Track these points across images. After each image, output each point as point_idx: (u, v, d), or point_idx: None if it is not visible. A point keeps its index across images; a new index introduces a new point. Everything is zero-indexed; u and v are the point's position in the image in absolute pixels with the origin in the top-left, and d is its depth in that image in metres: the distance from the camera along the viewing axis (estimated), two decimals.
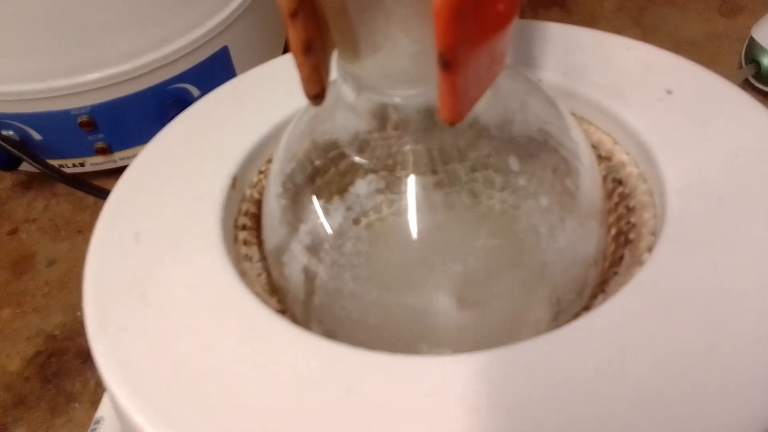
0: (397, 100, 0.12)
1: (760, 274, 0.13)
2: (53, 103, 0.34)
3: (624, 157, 0.17)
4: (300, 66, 0.11)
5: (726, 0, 0.41)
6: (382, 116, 0.13)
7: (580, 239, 0.14)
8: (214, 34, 0.36)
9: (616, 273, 0.14)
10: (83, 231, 0.36)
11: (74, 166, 0.37)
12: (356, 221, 0.14)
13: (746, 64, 0.36)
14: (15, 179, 0.39)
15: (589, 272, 0.14)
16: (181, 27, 0.35)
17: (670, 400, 0.11)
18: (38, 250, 0.36)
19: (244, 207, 0.17)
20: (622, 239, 0.15)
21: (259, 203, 0.18)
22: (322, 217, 0.14)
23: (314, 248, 0.14)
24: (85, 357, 0.31)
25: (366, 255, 0.13)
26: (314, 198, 0.14)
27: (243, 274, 0.15)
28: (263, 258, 0.16)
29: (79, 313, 0.33)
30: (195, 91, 0.37)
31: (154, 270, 0.14)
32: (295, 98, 0.19)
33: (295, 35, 0.10)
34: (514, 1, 0.11)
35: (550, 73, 0.19)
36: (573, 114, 0.18)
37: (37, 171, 0.36)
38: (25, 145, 0.35)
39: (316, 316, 0.14)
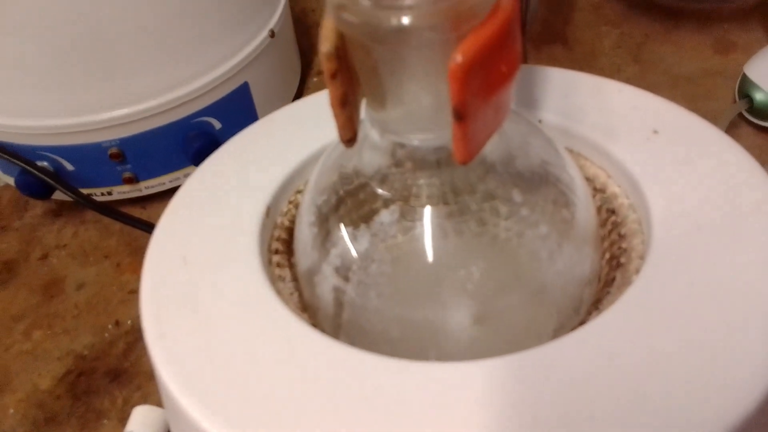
0: (415, 142, 0.15)
1: (731, 293, 0.15)
2: (86, 137, 0.37)
3: (616, 189, 0.19)
4: (337, 116, 0.13)
5: (719, 38, 0.44)
6: (402, 154, 0.15)
7: (577, 263, 0.16)
8: (235, 71, 0.39)
9: (608, 292, 0.16)
10: (110, 256, 0.39)
11: (102, 194, 0.40)
12: (379, 246, 0.16)
13: (740, 99, 0.39)
14: (46, 207, 0.42)
15: (584, 292, 0.16)
16: (206, 65, 0.38)
17: (650, 397, 0.13)
18: (68, 274, 0.38)
19: (276, 233, 0.20)
20: (614, 262, 0.17)
21: (289, 230, 0.20)
22: (349, 242, 0.16)
23: (343, 270, 0.16)
24: (113, 376, 0.33)
25: (388, 275, 0.16)
26: (342, 225, 0.16)
27: (278, 293, 0.17)
28: (294, 279, 0.18)
29: (106, 334, 0.35)
30: (217, 124, 0.40)
31: (201, 288, 0.17)
32: (318, 136, 0.21)
33: (333, 92, 0.13)
34: (515, 62, 0.13)
35: (551, 114, 0.21)
36: (571, 150, 0.21)
37: (66, 199, 0.38)
38: (58, 175, 0.38)
39: (345, 330, 0.16)
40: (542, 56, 0.46)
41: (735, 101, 0.39)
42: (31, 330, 0.35)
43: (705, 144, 0.19)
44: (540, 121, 0.21)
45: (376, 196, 0.16)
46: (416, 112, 0.14)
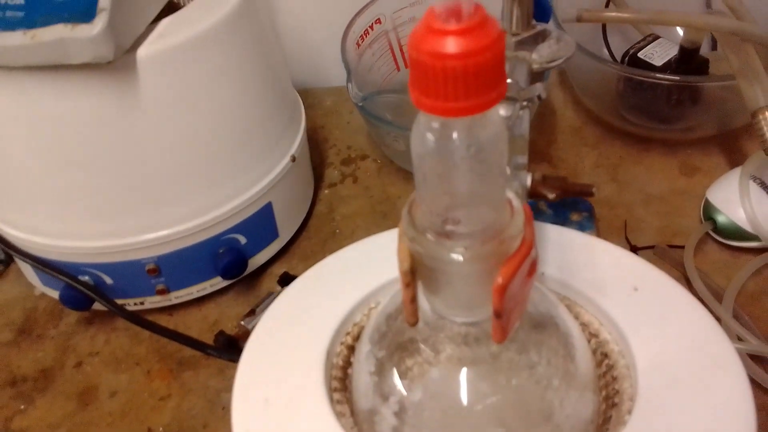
0: (458, 320, 0.20)
1: (702, 428, 0.20)
2: (127, 255, 0.42)
3: (608, 336, 0.25)
4: (407, 309, 0.19)
5: (684, 162, 0.51)
6: (447, 326, 0.21)
7: (582, 406, 0.21)
8: (261, 194, 0.44)
9: (607, 429, 0.21)
10: (140, 363, 0.43)
11: (135, 304, 0.44)
12: (429, 395, 0.21)
13: (705, 220, 0.45)
14: (79, 315, 0.45)
15: (588, 429, 0.21)
16: (236, 190, 0.43)
17: None
18: (101, 381, 0.42)
19: (333, 372, 0.24)
20: (610, 402, 0.23)
21: (342, 369, 0.25)
22: (405, 392, 0.21)
23: (399, 413, 0.21)
24: None
25: (436, 419, 0.21)
26: (399, 377, 0.21)
27: (343, 428, 0.22)
28: (352, 413, 0.23)
29: None
30: (242, 239, 0.45)
31: (283, 425, 0.21)
32: (359, 285, 0.26)
33: (407, 295, 0.18)
34: (534, 269, 0.19)
35: (551, 269, 0.27)
36: (568, 299, 0.26)
37: (100, 308, 0.42)
38: (97, 288, 0.42)
39: None
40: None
41: (701, 221, 0.46)
42: None
43: (675, 302, 0.24)
44: (543, 274, 0.27)
45: (427, 354, 0.21)
46: (461, 303, 0.19)
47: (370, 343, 0.23)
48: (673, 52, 0.50)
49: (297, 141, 0.48)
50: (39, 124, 0.36)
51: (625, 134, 0.54)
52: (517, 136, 0.25)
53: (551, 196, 0.29)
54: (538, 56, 0.26)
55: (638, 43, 0.52)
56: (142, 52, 0.36)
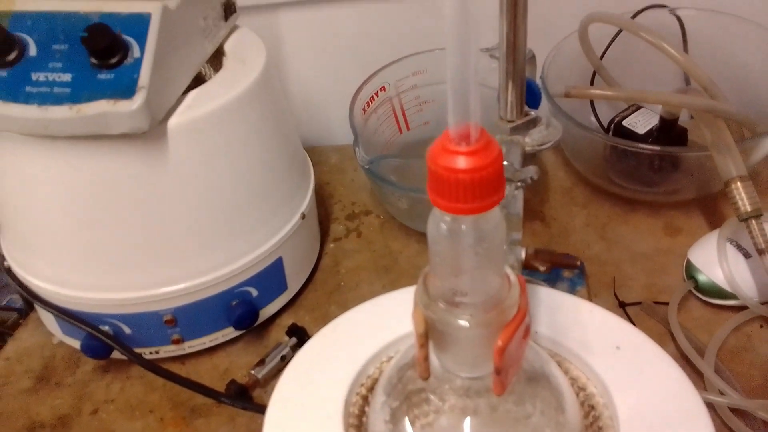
0: (462, 374, 0.24)
1: None
2: (147, 306, 0.45)
3: (594, 390, 0.28)
4: (420, 366, 0.22)
5: (668, 223, 0.56)
6: (454, 379, 0.24)
7: None
8: (273, 250, 0.48)
9: None
10: (154, 411, 0.45)
11: (151, 353, 0.47)
12: None
13: (687, 278, 0.49)
14: (96, 364, 0.48)
15: None
16: (250, 246, 0.47)
17: None
18: (116, 428, 0.44)
19: (350, 420, 0.28)
20: None
21: (357, 417, 0.28)
22: None
23: None
24: None
25: None
26: (408, 423, 0.25)
27: None
28: None
29: None
30: (254, 292, 0.49)
31: None
32: (371, 343, 0.30)
33: (420, 352, 0.22)
34: (529, 332, 0.23)
35: (543, 328, 0.30)
36: (559, 355, 0.30)
37: (116, 357, 0.45)
38: (116, 337, 0.45)
39: None
40: (526, 231, 0.57)
41: (684, 279, 0.50)
42: None
43: (652, 360, 0.28)
44: (536, 333, 0.30)
45: (435, 404, 0.24)
46: (466, 361, 0.23)
47: (385, 395, 0.26)
48: (654, 121, 0.55)
49: (307, 199, 0.52)
50: (75, 186, 0.40)
51: (613, 195, 0.58)
52: (512, 214, 0.29)
53: (542, 268, 0.33)
54: (531, 140, 0.30)
55: (623, 111, 0.57)
56: (173, 122, 0.40)
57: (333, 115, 0.68)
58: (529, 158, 0.30)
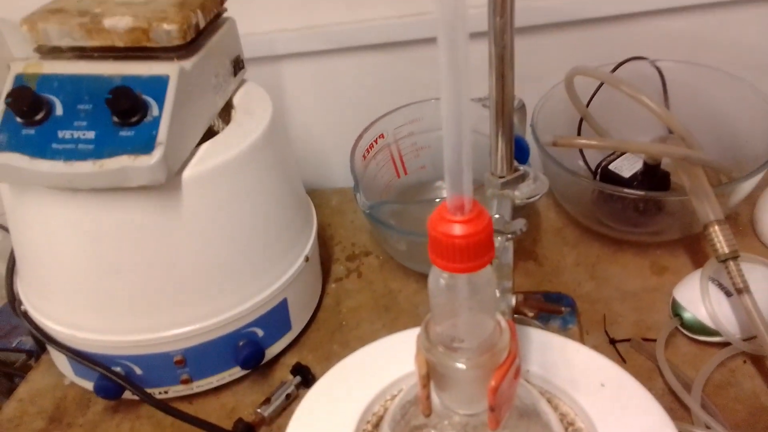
0: (461, 411, 0.26)
1: None
2: (158, 347, 0.47)
3: (581, 425, 0.31)
4: (423, 404, 0.25)
5: (654, 262, 0.59)
6: (453, 416, 0.27)
7: None
8: (278, 292, 0.51)
9: None
10: None
11: (160, 393, 0.50)
12: None
13: (673, 316, 0.52)
14: (106, 404, 0.51)
15: None
16: (257, 289, 0.50)
17: None
18: None
19: None
20: None
21: None
22: None
23: None
24: None
25: None
26: None
27: None
28: None
29: None
30: (260, 332, 0.51)
31: None
32: (373, 383, 0.33)
33: (423, 392, 0.25)
34: (519, 372, 0.25)
35: (534, 367, 0.33)
36: (549, 392, 0.33)
37: (126, 397, 0.47)
38: (128, 377, 0.48)
39: None
40: (519, 271, 0.60)
41: (671, 317, 0.53)
42: None
43: (634, 396, 0.31)
44: (528, 371, 0.33)
45: None
46: (464, 399, 0.26)
47: (390, 430, 0.29)
48: (639, 165, 0.59)
49: (310, 242, 0.55)
50: (94, 234, 0.43)
51: (602, 236, 0.61)
52: (503, 264, 0.32)
53: (531, 314, 0.36)
54: (520, 193, 0.33)
55: (609, 156, 0.60)
56: (187, 174, 0.43)
57: (333, 160, 0.71)
58: (518, 210, 0.33)
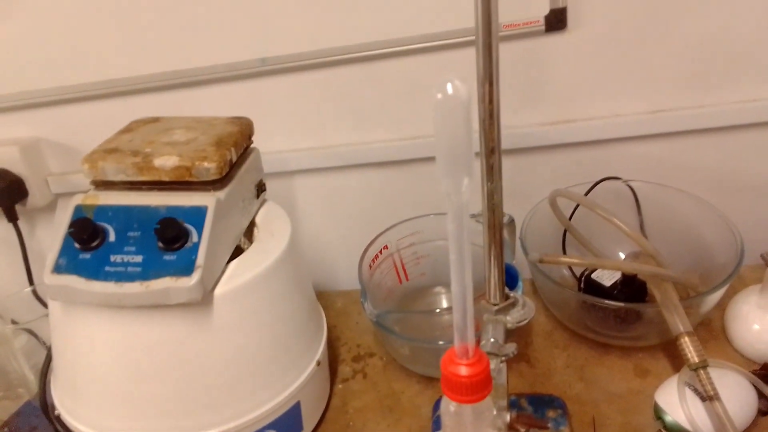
0: None
1: None
2: None
3: None
4: None
5: (637, 365, 0.65)
6: None
7: None
8: (292, 395, 0.56)
9: None
10: None
11: None
12: None
13: (656, 419, 0.58)
14: None
15: None
16: (274, 394, 0.55)
17: None
18: None
19: None
20: None
21: None
22: None
23: None
24: None
25: None
26: None
27: None
28: None
29: None
30: None
31: None
32: None
33: None
34: None
35: None
36: None
37: None
38: None
39: None
40: (513, 372, 0.65)
41: (654, 419, 0.58)
42: None
43: None
44: None
45: None
46: None
47: None
48: (618, 275, 0.66)
49: (321, 347, 0.61)
50: (133, 347, 0.49)
51: (588, 339, 0.68)
52: (499, 384, 0.38)
53: (522, 430, 0.42)
54: (511, 318, 0.40)
55: None
56: (218, 291, 0.50)
57: (339, 265, 0.79)
58: (510, 334, 0.40)
